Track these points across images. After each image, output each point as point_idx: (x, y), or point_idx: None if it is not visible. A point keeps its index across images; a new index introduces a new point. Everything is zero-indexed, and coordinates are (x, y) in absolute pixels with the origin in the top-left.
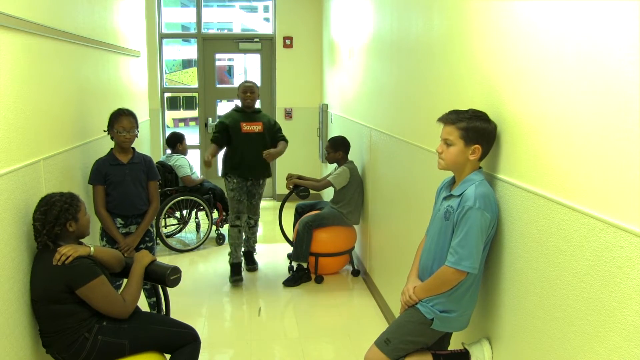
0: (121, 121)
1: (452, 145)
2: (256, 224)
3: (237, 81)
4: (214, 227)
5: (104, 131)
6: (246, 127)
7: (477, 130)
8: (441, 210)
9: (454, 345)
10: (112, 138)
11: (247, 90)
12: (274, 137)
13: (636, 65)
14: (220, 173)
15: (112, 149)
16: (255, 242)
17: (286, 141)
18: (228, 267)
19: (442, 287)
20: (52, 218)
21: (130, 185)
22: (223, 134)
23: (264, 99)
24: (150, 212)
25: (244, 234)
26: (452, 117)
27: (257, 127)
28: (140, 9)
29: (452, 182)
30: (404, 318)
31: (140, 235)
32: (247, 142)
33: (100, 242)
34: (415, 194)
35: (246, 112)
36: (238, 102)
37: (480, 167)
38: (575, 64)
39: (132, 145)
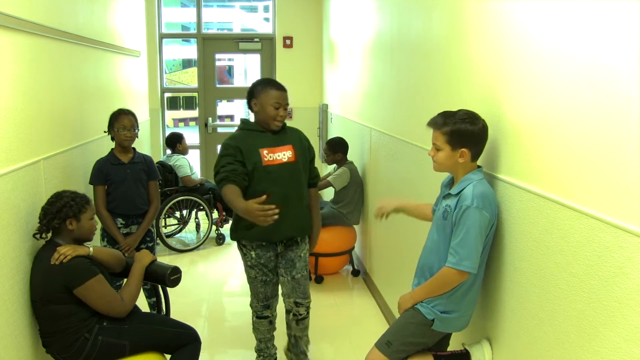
0: (121, 120)
1: (440, 149)
2: (307, 313)
3: (237, 81)
4: (214, 227)
5: (105, 132)
6: (269, 155)
7: (461, 134)
8: (440, 209)
9: (454, 345)
10: (112, 139)
11: (281, 102)
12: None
13: (636, 65)
14: (229, 236)
15: (112, 149)
16: (308, 343)
17: (317, 185)
18: (228, 267)
19: (443, 288)
20: (54, 210)
21: (132, 185)
22: (240, 165)
23: None
24: (150, 212)
25: (292, 329)
26: (438, 122)
27: (286, 154)
28: (140, 9)
29: (452, 182)
30: (404, 319)
31: (141, 235)
32: (272, 181)
33: (101, 242)
34: (415, 194)
35: (264, 132)
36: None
37: (479, 167)
38: (574, 63)
39: (133, 145)
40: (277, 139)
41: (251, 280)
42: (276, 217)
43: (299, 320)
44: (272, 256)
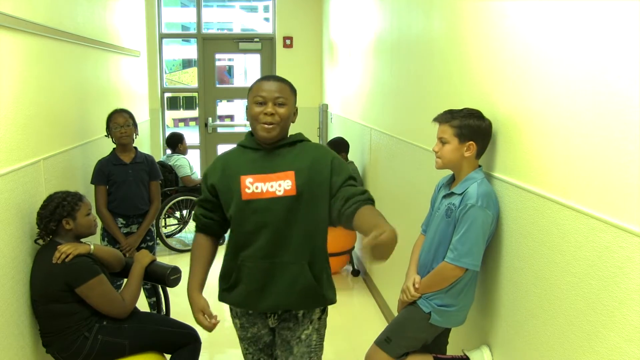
0: (114, 119)
1: (447, 143)
2: None
3: (237, 81)
4: None
5: (106, 135)
6: (254, 186)
7: (470, 127)
8: (442, 208)
9: (454, 351)
10: (113, 141)
11: (266, 95)
12: (337, 197)
13: (636, 64)
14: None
15: (114, 149)
16: None
17: (372, 201)
18: None
19: (441, 283)
20: (48, 213)
21: (133, 185)
22: (214, 208)
23: None
24: (151, 212)
25: None
26: (447, 116)
27: (282, 185)
28: (140, 9)
29: (451, 181)
30: (403, 315)
31: (141, 235)
32: (257, 224)
33: (102, 242)
34: (415, 194)
35: (259, 149)
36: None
37: (480, 166)
38: (573, 63)
39: (135, 145)
40: (272, 162)
41: (244, 355)
42: (215, 323)
43: None
44: (263, 329)
